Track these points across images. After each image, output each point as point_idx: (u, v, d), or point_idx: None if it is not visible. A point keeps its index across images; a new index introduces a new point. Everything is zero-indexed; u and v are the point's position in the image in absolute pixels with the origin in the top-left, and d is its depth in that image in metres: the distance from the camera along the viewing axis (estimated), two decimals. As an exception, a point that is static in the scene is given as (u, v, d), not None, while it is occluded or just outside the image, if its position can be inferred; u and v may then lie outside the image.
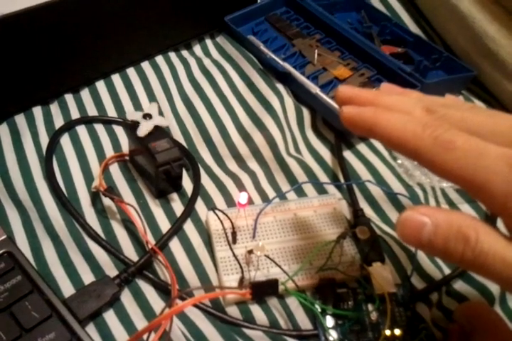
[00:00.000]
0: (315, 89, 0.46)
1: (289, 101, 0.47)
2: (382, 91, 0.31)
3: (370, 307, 0.35)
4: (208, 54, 0.52)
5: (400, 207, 0.41)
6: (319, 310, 0.35)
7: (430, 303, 0.36)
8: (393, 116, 0.27)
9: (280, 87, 0.48)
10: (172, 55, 0.51)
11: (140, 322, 0.34)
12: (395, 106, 0.28)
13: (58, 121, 0.45)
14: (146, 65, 0.50)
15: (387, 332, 0.34)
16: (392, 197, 0.42)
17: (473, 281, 0.37)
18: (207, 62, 0.51)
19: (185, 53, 0.52)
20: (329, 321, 0.35)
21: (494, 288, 0.36)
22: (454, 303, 0.36)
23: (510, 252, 0.22)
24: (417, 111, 0.27)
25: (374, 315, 0.35)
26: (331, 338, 0.34)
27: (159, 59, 0.51)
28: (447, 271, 0.38)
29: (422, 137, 0.25)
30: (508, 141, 0.24)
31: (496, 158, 0.23)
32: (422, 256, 0.38)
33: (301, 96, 0.48)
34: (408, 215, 0.24)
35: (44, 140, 0.43)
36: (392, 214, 0.41)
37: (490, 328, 0.31)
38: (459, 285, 0.37)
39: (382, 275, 0.36)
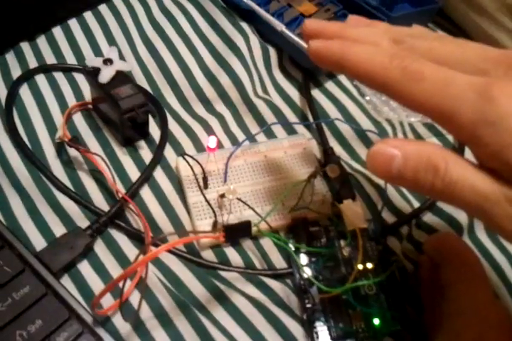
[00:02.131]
0: (280, 26, 0.44)
1: (255, 40, 0.46)
2: (349, 24, 0.30)
3: (342, 243, 0.36)
4: (167, -7, 0.50)
5: (369, 144, 0.41)
6: (293, 248, 0.35)
7: (401, 237, 0.37)
8: (361, 48, 0.26)
9: (244, 25, 0.47)
10: (130, -5, 0.49)
11: (115, 271, 0.34)
12: (363, 38, 0.27)
13: (15, 72, 0.43)
14: (103, 8, 0.48)
15: (360, 267, 0.34)
16: (361, 134, 0.42)
17: (442, 213, 0.37)
18: (167, 1, 0.49)
19: (143, -7, 0.50)
20: (303, 259, 0.35)
21: (463, 219, 0.37)
22: (424, 235, 0.37)
23: (478, 180, 0.22)
24: (385, 42, 0.27)
25: (346, 251, 0.36)
26: (305, 275, 0.34)
27: (117, 1, 0.48)
28: (417, 204, 0.38)
29: (389, 68, 0.24)
30: (475, 69, 0.24)
31: (464, 87, 0.23)
32: (391, 191, 0.39)
33: (267, 34, 0.47)
34: (378, 148, 0.24)
35: (2, 91, 0.41)
36: (362, 151, 0.41)
37: (458, 258, 0.32)
38: (429, 218, 0.37)
39: (353, 211, 0.36)
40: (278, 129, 0.42)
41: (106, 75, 0.37)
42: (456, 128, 0.23)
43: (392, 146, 0.24)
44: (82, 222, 0.36)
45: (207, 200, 0.36)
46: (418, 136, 0.43)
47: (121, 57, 0.44)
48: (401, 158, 0.24)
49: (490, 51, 0.25)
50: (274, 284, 0.35)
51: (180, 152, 0.39)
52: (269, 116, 0.43)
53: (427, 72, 0.24)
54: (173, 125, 0.41)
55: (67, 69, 0.44)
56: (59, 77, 0.43)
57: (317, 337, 0.32)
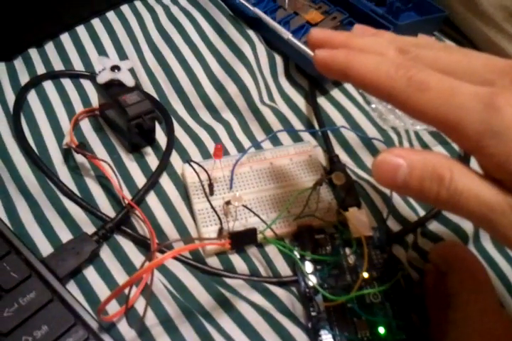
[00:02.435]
0: (287, 34, 0.45)
1: (261, 48, 0.46)
2: (355, 33, 0.31)
3: (347, 251, 0.36)
4: (175, 1, 0.50)
5: (374, 152, 0.41)
6: (298, 256, 0.35)
7: (406, 245, 0.37)
8: (366, 57, 0.26)
9: (251, 33, 0.47)
10: (138, 3, 0.50)
11: (121, 277, 0.34)
12: (368, 48, 0.28)
13: (24, 78, 0.43)
14: (111, 15, 0.48)
15: (365, 275, 0.34)
16: (367, 142, 0.42)
17: (448, 222, 0.37)
18: (174, 9, 0.49)
19: (151, 1, 0.50)
20: (308, 266, 0.35)
21: (468, 228, 0.37)
22: (429, 244, 0.37)
23: (483, 190, 0.22)
24: (391, 52, 0.27)
25: (352, 259, 0.36)
26: (310, 283, 0.34)
27: (125, 8, 0.49)
28: (422, 212, 0.38)
29: (395, 78, 0.25)
30: (481, 79, 0.24)
31: (469, 97, 0.23)
32: (397, 199, 0.39)
33: (273, 42, 0.47)
34: (383, 158, 0.24)
35: (10, 97, 0.42)
36: (367, 159, 0.41)
37: (464, 266, 0.32)
38: (434, 226, 0.37)
39: (359, 219, 0.36)
40: (284, 136, 0.42)
41: (104, 76, 0.37)
42: (461, 138, 0.23)
43: (397, 156, 0.24)
44: (89, 227, 0.36)
45: (213, 207, 0.36)
46: (424, 144, 0.43)
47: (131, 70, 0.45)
48: (406, 168, 0.24)
49: (496, 61, 0.25)
50: (279, 292, 0.35)
51: (187, 159, 0.39)
52: (275, 124, 0.43)
53: (433, 82, 0.24)
54: (179, 132, 0.42)
55: (74, 76, 0.44)
56: (66, 83, 0.44)
57: (322, 345, 0.32)
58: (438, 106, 0.23)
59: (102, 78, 0.37)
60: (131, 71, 0.44)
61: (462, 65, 0.25)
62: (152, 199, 0.38)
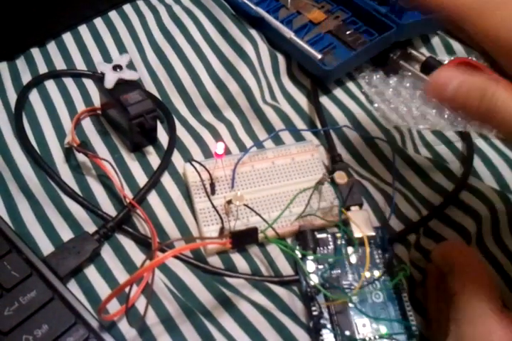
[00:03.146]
0: (289, 33, 0.45)
1: (264, 47, 0.46)
2: None
3: (349, 250, 0.36)
4: (177, 0, 0.50)
5: (377, 151, 0.41)
6: (299, 255, 0.35)
7: (408, 244, 0.37)
8: None
9: (254, 32, 0.47)
10: (140, 2, 0.49)
11: (122, 276, 0.34)
12: None
13: (26, 77, 0.43)
14: (113, 15, 0.48)
15: (367, 274, 0.34)
16: (370, 141, 0.42)
17: (450, 221, 0.37)
18: (177, 9, 0.49)
19: (153, 0, 0.50)
20: (310, 266, 0.35)
21: (471, 227, 0.37)
22: (431, 243, 0.37)
23: None
24: None
25: (353, 258, 0.35)
26: (312, 282, 0.34)
27: (127, 7, 0.49)
28: (425, 212, 0.38)
29: None
30: None
31: None
32: (399, 199, 0.39)
33: (276, 41, 0.47)
34: (439, 71, 0.27)
35: (12, 96, 0.42)
36: (370, 159, 0.41)
37: (466, 266, 0.32)
38: (437, 226, 0.37)
39: (361, 219, 0.36)
40: (286, 136, 0.42)
41: (111, 80, 0.37)
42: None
43: (451, 73, 0.26)
44: (90, 227, 0.36)
45: (214, 206, 0.36)
46: (427, 144, 0.42)
47: (131, 66, 0.45)
48: (456, 84, 0.26)
49: None
50: (280, 291, 0.35)
51: (188, 158, 0.39)
52: (277, 123, 0.43)
53: None
54: (181, 131, 0.42)
55: (76, 75, 0.44)
56: (68, 82, 0.44)
57: (323, 345, 0.32)
58: None
59: (109, 83, 0.37)
60: (131, 64, 0.44)
61: None
62: (153, 199, 0.38)
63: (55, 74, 0.44)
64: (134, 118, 0.37)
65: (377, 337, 0.33)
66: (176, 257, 0.35)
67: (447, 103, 0.27)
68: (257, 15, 0.46)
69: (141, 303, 0.33)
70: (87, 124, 0.41)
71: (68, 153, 0.39)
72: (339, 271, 0.35)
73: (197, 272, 0.35)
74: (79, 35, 0.46)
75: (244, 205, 0.36)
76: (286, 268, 0.36)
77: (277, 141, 0.42)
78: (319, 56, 0.43)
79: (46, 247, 0.35)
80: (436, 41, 0.49)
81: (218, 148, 0.36)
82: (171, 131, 0.41)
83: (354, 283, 0.34)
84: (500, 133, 0.27)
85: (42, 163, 0.38)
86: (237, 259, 0.36)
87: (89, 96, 0.43)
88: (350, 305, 0.33)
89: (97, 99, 0.42)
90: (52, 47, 0.46)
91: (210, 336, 0.32)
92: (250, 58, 0.45)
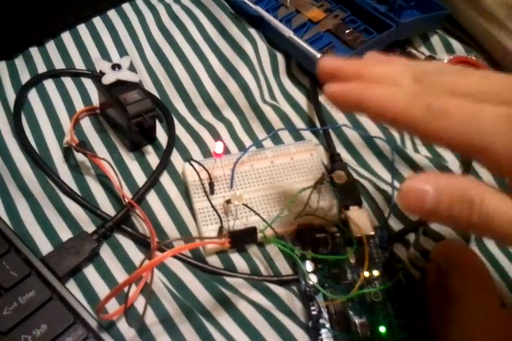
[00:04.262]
0: (288, 32, 0.45)
1: (263, 47, 0.46)
2: (366, 62, 0.29)
3: (348, 250, 0.36)
4: (176, -1, 0.50)
5: (376, 150, 0.41)
6: (299, 255, 0.35)
7: (407, 244, 0.37)
8: (381, 90, 0.26)
9: (253, 31, 0.47)
10: (139, 2, 0.49)
11: (121, 276, 0.34)
12: (382, 78, 0.27)
13: (24, 76, 0.43)
14: (112, 14, 0.48)
15: (366, 274, 0.34)
16: (369, 140, 0.41)
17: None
18: (176, 8, 0.49)
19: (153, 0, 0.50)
20: (309, 266, 0.35)
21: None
22: (431, 243, 0.36)
23: None
24: (405, 81, 0.26)
25: (352, 258, 0.35)
26: (311, 282, 0.34)
27: (126, 6, 0.49)
28: (424, 211, 0.38)
29: (413, 108, 0.24)
30: (502, 99, 0.23)
31: (493, 119, 0.22)
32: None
33: (275, 40, 0.47)
34: (409, 185, 0.23)
35: (11, 96, 0.42)
36: (369, 158, 0.41)
37: (465, 265, 0.32)
38: (436, 225, 0.37)
39: (360, 218, 0.36)
40: (285, 135, 0.42)
41: (110, 77, 0.37)
42: (491, 162, 0.23)
43: (423, 182, 0.23)
44: (89, 226, 0.36)
45: (213, 206, 0.36)
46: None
47: (132, 68, 0.44)
48: (434, 194, 0.23)
49: None
50: (279, 291, 0.35)
51: (187, 157, 0.39)
52: (276, 122, 0.43)
53: (452, 107, 0.23)
54: (180, 130, 0.42)
55: (75, 74, 0.44)
56: (67, 81, 0.43)
57: (322, 345, 0.32)
58: (462, 132, 0.22)
59: (107, 79, 0.37)
60: (131, 66, 0.44)
61: (480, 86, 0.24)
62: (152, 198, 0.38)
63: (53, 74, 0.44)
64: (133, 118, 0.37)
65: (376, 336, 0.32)
66: (175, 257, 0.35)
67: (430, 219, 0.25)
68: (256, 14, 0.46)
69: (140, 303, 0.33)
70: (86, 124, 0.41)
71: (67, 153, 0.39)
72: (338, 271, 0.35)
73: (196, 272, 0.35)
74: (78, 34, 0.46)
75: (244, 205, 0.36)
76: (285, 268, 0.36)
77: (276, 140, 0.42)
78: (318, 55, 0.43)
79: (45, 247, 0.35)
80: (435, 40, 0.49)
81: (217, 147, 0.36)
82: (170, 130, 0.41)
83: (353, 282, 0.34)
84: (504, 243, 0.23)
85: (41, 163, 0.38)
86: (236, 259, 0.36)
87: (88, 96, 0.43)
88: (350, 304, 0.33)
89: (95, 99, 0.42)
90: (51, 46, 0.45)
91: (209, 335, 0.32)
92: (249, 57, 0.45)
